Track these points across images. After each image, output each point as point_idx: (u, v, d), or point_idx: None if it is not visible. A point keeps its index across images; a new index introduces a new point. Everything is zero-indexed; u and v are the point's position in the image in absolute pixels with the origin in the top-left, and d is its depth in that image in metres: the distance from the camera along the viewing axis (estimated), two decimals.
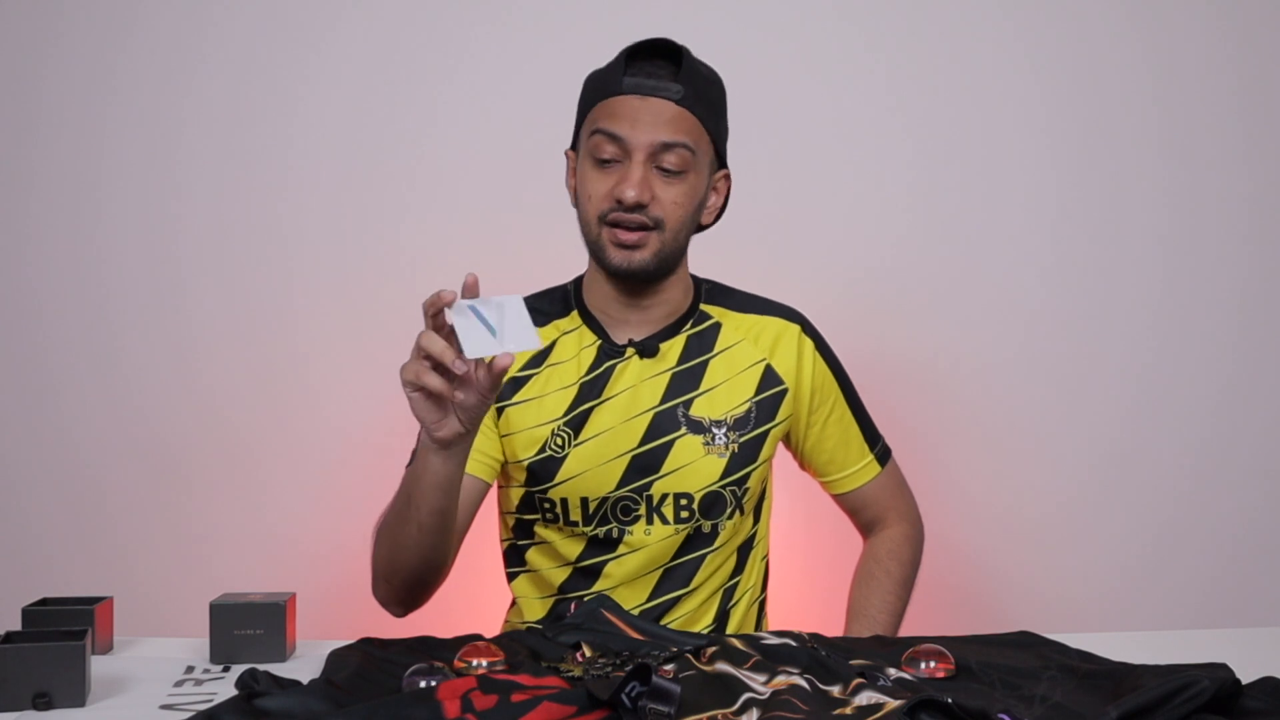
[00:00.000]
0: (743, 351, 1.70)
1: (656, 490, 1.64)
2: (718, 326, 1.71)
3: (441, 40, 2.39)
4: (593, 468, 1.64)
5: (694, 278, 1.75)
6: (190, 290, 2.39)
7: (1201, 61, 2.41)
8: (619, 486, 1.64)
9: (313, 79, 2.39)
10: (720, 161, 1.69)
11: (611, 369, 1.67)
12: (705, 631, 1.69)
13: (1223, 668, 1.21)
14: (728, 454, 1.65)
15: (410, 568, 1.52)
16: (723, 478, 1.65)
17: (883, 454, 1.79)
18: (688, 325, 1.70)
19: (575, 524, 1.66)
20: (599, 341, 1.68)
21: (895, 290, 2.41)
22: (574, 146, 1.68)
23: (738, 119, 2.37)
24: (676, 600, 1.67)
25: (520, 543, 1.72)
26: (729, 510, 1.67)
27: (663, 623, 1.65)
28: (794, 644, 1.32)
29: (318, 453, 2.37)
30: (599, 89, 1.63)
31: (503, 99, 2.37)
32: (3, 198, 2.39)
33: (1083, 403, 2.42)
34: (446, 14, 2.39)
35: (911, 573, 1.81)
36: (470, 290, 1.31)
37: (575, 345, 1.68)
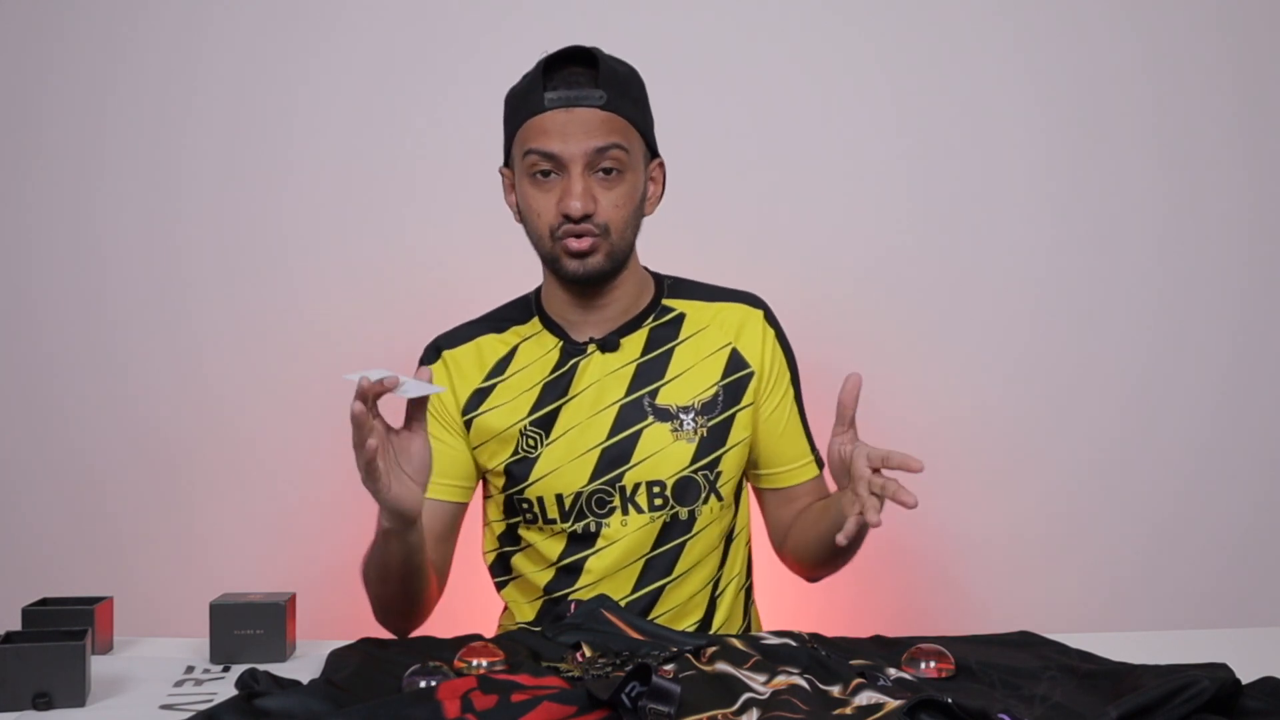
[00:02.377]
0: (708, 337, 1.73)
1: (628, 480, 1.66)
2: (681, 317, 1.74)
3: (443, 41, 2.39)
4: (564, 464, 1.66)
5: (654, 274, 1.77)
6: (191, 290, 2.39)
7: (1200, 62, 2.41)
8: (591, 480, 1.66)
9: (313, 80, 2.39)
10: (653, 152, 1.71)
11: (575, 366, 1.70)
12: (695, 622, 1.70)
13: (1223, 668, 1.21)
14: (696, 439, 1.67)
15: (403, 610, 1.61)
16: (693, 462, 1.67)
17: (819, 460, 1.77)
18: (649, 319, 1.73)
19: (554, 521, 1.68)
20: (560, 343, 1.71)
21: (891, 290, 2.41)
22: (507, 164, 1.71)
23: (727, 117, 2.37)
24: (662, 590, 1.68)
25: (506, 550, 1.75)
26: (703, 495, 1.68)
27: (652, 614, 1.67)
28: (794, 644, 1.32)
29: (318, 453, 2.36)
30: (522, 108, 1.65)
31: (502, 102, 2.37)
32: (4, 198, 2.39)
33: (1082, 403, 2.42)
34: (447, 16, 2.39)
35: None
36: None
37: (538, 349, 1.72)
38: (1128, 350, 2.42)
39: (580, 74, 1.63)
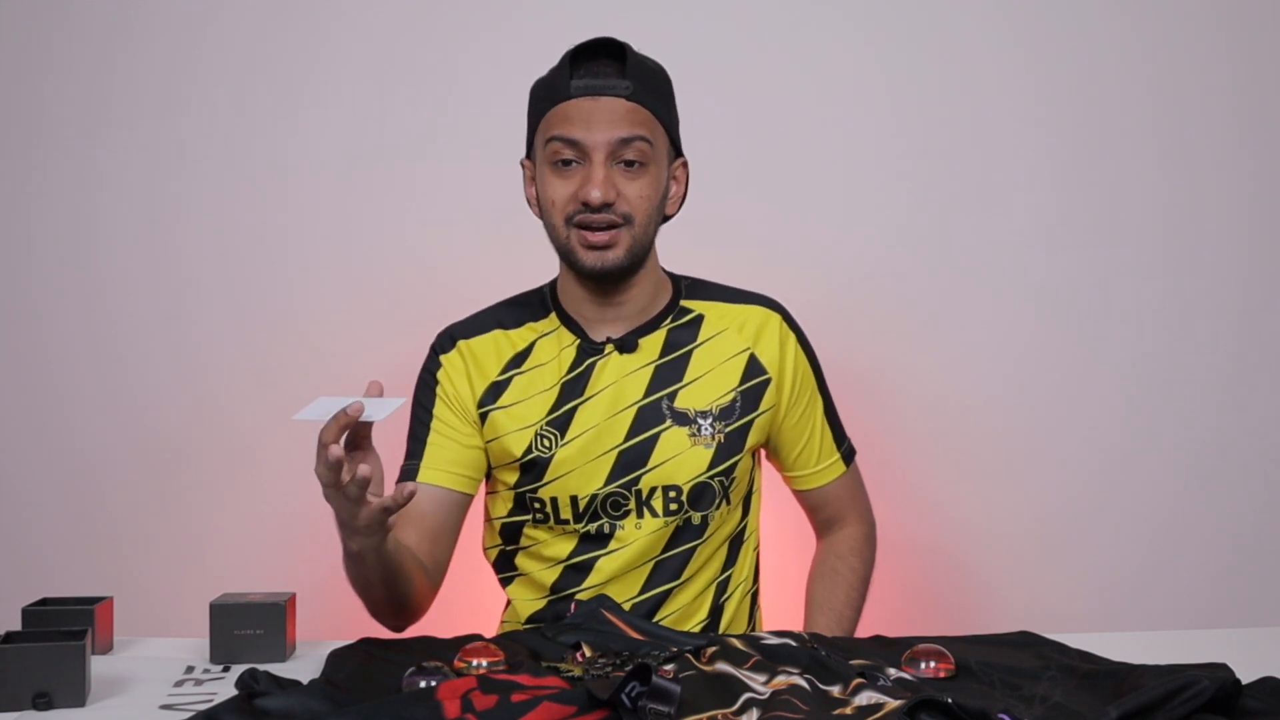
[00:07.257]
0: (726, 341, 1.71)
1: (645, 484, 1.65)
2: (700, 318, 1.73)
3: (442, 42, 2.39)
4: (580, 466, 1.65)
5: (671, 275, 1.76)
6: (191, 290, 2.39)
7: (1201, 62, 2.41)
8: (608, 483, 1.65)
9: (314, 80, 2.39)
10: (677, 150, 1.70)
11: (592, 366, 1.68)
12: (699, 625, 1.70)
13: (1223, 668, 1.21)
14: (714, 444, 1.66)
15: (388, 608, 1.58)
16: (710, 468, 1.66)
17: (848, 454, 1.81)
18: (668, 320, 1.71)
19: (566, 521, 1.67)
20: (578, 341, 1.69)
21: (891, 290, 2.41)
22: (529, 155, 1.69)
23: (730, 117, 2.37)
24: (669, 593, 1.68)
25: (509, 548, 1.73)
26: (717, 501, 1.68)
27: (657, 617, 1.66)
28: (794, 644, 1.32)
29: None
30: (547, 96, 1.64)
31: (503, 101, 2.36)
32: (4, 197, 2.39)
33: (1082, 403, 2.42)
34: (447, 17, 2.39)
35: (870, 572, 1.82)
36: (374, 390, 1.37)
37: (555, 346, 1.70)
38: (1128, 350, 2.42)
39: (607, 65, 1.63)
